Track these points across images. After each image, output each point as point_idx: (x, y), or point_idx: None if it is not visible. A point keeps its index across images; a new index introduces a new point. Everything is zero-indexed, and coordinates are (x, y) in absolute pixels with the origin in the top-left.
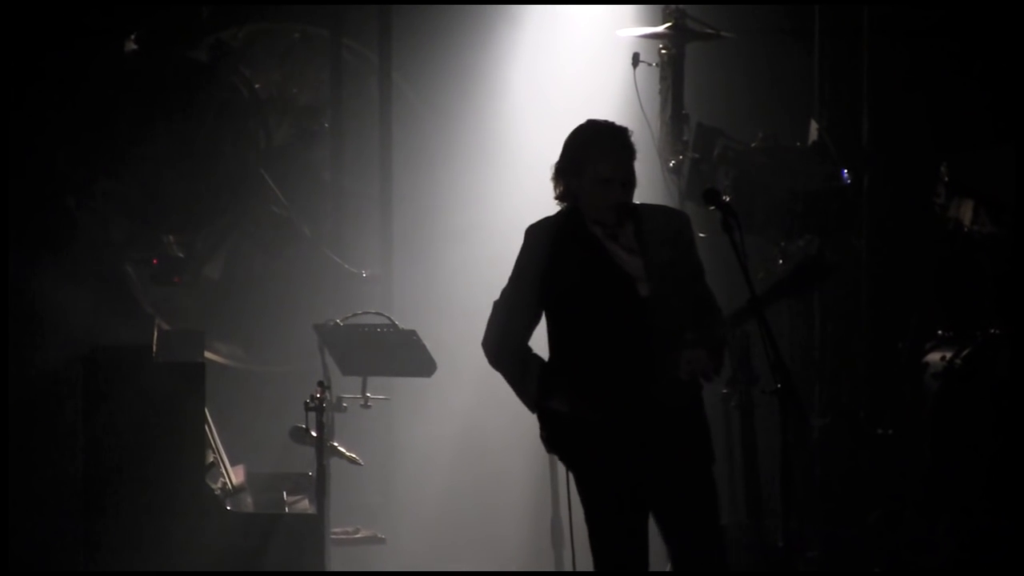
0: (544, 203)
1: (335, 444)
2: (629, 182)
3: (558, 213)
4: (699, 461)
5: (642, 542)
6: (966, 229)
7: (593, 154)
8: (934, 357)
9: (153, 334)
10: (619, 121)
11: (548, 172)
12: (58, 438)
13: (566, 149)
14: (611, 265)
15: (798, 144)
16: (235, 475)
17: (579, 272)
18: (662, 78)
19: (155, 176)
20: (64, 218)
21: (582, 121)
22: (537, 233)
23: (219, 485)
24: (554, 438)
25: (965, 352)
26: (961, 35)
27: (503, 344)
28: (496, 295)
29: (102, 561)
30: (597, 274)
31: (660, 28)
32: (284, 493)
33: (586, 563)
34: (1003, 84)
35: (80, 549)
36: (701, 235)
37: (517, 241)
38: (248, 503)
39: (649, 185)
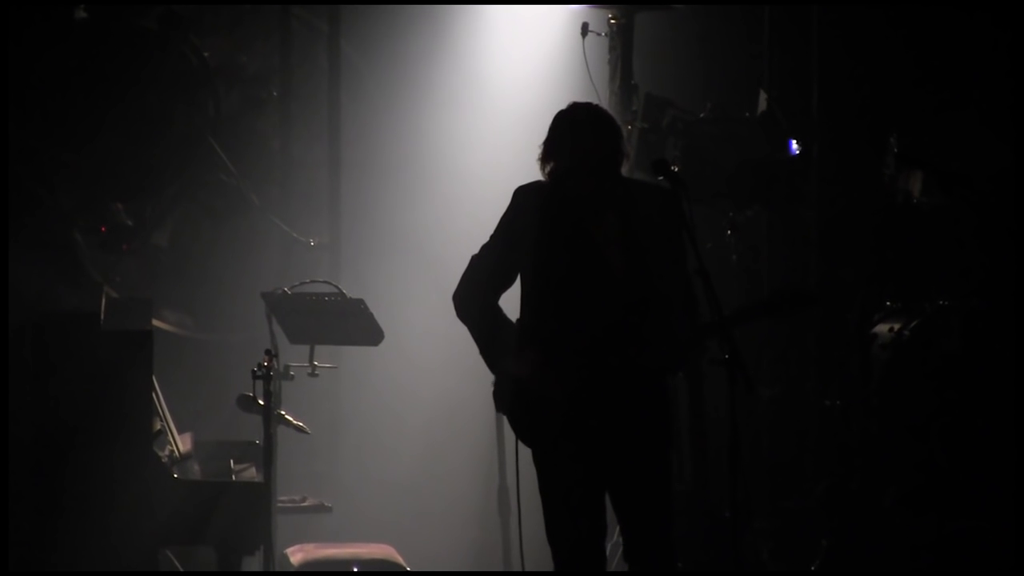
0: (493, 170)
1: (282, 412)
2: (608, 159)
3: (548, 180)
4: (655, 445)
5: (598, 514)
6: (915, 200)
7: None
8: (882, 328)
9: (101, 302)
10: (568, 90)
11: (495, 140)
12: (6, 405)
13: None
14: (589, 238)
15: (747, 115)
16: (182, 443)
17: (559, 241)
18: (611, 48)
19: (104, 144)
20: (17, 188)
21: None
22: (526, 195)
23: (166, 453)
24: (511, 403)
25: (913, 323)
26: (909, 7)
27: (475, 298)
28: (443, 265)
29: (50, 527)
30: (574, 245)
31: None
32: (231, 461)
33: (532, 530)
34: (957, 53)
35: (28, 514)
36: None
37: (465, 209)
38: (195, 471)
39: None
